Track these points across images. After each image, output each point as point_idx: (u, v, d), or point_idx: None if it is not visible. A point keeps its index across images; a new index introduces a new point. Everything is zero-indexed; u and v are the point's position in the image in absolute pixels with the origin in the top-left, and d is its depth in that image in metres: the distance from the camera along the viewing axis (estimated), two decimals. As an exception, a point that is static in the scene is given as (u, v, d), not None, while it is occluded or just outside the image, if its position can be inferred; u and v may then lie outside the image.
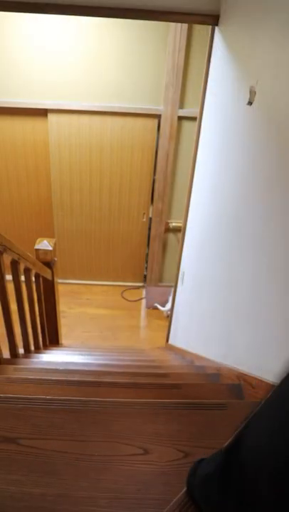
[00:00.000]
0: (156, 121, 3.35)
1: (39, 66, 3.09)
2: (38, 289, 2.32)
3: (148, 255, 4.05)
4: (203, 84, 2.08)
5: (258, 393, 1.07)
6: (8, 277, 1.70)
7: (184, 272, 2.62)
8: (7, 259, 1.69)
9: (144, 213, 3.83)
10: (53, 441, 0.80)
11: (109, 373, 1.57)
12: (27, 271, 2.03)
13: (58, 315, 2.75)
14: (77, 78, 3.14)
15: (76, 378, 1.33)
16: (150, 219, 3.85)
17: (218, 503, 0.49)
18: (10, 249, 1.67)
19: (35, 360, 1.94)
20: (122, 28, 2.96)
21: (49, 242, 2.38)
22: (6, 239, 1.63)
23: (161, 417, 0.87)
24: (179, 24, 2.88)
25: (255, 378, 1.09)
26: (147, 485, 0.72)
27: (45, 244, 2.36)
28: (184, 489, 0.60)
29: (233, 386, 1.23)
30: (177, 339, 2.77)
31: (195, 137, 2.24)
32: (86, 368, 1.78)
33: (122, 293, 4.18)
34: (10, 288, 1.76)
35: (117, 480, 0.72)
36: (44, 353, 2.32)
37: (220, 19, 1.76)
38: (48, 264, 2.38)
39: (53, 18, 2.91)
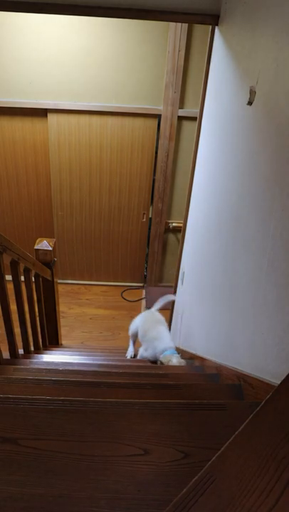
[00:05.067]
0: (156, 121, 3.35)
1: (39, 66, 3.09)
2: (37, 290, 2.32)
3: (148, 255, 4.05)
4: (203, 84, 2.08)
5: (257, 394, 1.07)
6: (8, 277, 1.70)
7: (184, 272, 2.62)
8: (7, 259, 1.68)
9: (144, 213, 3.83)
10: (53, 441, 0.80)
11: (109, 374, 1.56)
12: (27, 271, 2.03)
13: (57, 315, 2.74)
14: (77, 78, 3.14)
15: (76, 379, 1.33)
16: (150, 219, 3.85)
17: None
18: (10, 249, 1.66)
19: (35, 360, 1.94)
20: (123, 27, 2.96)
21: (49, 243, 2.37)
22: (6, 239, 1.62)
23: (161, 417, 0.87)
24: (179, 24, 2.88)
25: (255, 379, 1.09)
26: (147, 485, 0.71)
27: (45, 245, 2.36)
28: (184, 490, 0.59)
29: (233, 386, 1.23)
30: (177, 339, 2.77)
31: (195, 137, 2.24)
32: (86, 369, 1.78)
33: (121, 293, 4.18)
34: (10, 288, 1.76)
35: (117, 480, 0.72)
36: (44, 353, 2.31)
37: (220, 19, 1.76)
38: (48, 265, 2.38)
39: (53, 18, 2.91)
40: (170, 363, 2.07)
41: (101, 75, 3.14)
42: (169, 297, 2.88)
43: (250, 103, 1.26)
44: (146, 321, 2.57)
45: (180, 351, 2.45)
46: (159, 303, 2.81)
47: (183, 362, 2.12)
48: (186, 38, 2.96)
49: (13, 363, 1.77)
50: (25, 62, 3.07)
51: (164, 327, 2.48)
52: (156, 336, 2.35)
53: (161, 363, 2.15)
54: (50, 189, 3.68)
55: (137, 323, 2.67)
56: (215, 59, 1.89)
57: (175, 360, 2.08)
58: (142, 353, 2.45)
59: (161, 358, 2.16)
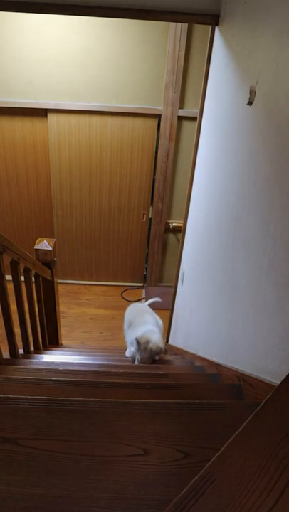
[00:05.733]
0: (156, 121, 3.35)
1: (39, 66, 3.09)
2: (37, 290, 2.32)
3: (148, 255, 4.05)
4: (203, 84, 2.08)
5: (257, 394, 1.07)
6: (8, 277, 1.70)
7: (184, 272, 2.62)
8: (7, 259, 1.68)
9: (144, 213, 3.83)
10: (53, 441, 0.80)
11: (109, 374, 1.56)
12: (27, 271, 2.02)
13: (57, 315, 2.74)
14: (77, 78, 3.14)
15: (76, 379, 1.33)
16: (150, 219, 3.85)
17: None
18: (10, 249, 1.66)
19: (35, 360, 1.94)
20: (123, 27, 2.96)
21: (49, 243, 2.37)
22: (6, 239, 1.62)
23: (161, 417, 0.87)
24: (179, 24, 2.88)
25: (255, 379, 1.09)
26: (147, 485, 0.71)
27: (45, 245, 2.36)
28: (184, 490, 0.60)
29: (232, 386, 1.23)
30: (177, 339, 2.77)
31: (195, 137, 2.24)
32: (86, 369, 1.78)
33: (121, 293, 4.18)
34: (10, 288, 1.76)
35: (117, 480, 0.72)
36: (44, 353, 2.31)
37: (220, 19, 1.76)
38: (48, 265, 2.38)
39: (53, 18, 2.91)
40: (149, 346, 1.75)
41: (101, 75, 3.14)
42: (155, 299, 2.79)
43: (250, 103, 1.26)
44: (131, 313, 2.34)
45: (180, 351, 2.45)
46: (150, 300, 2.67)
47: (160, 343, 1.77)
48: (186, 38, 2.96)
49: (13, 363, 1.77)
50: (25, 62, 3.07)
51: (149, 315, 2.21)
52: (140, 322, 2.04)
53: (139, 344, 1.77)
54: (50, 189, 3.68)
55: (125, 326, 2.33)
56: (215, 59, 1.89)
57: (152, 344, 1.73)
58: (129, 347, 2.09)
59: (138, 338, 1.80)
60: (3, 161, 3.54)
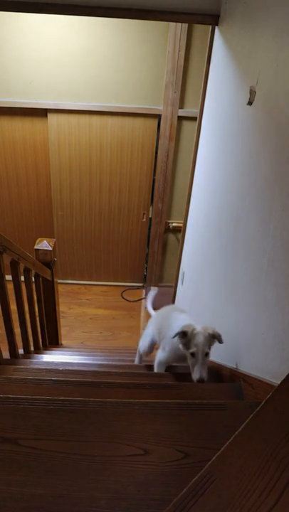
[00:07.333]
0: (156, 121, 3.35)
1: (39, 66, 3.09)
2: (37, 290, 2.32)
3: (148, 255, 4.05)
4: (203, 84, 2.08)
5: (257, 394, 1.07)
6: (8, 277, 1.70)
7: (184, 272, 2.61)
8: (7, 259, 1.68)
9: (144, 213, 3.83)
10: (53, 441, 0.80)
11: (109, 374, 1.56)
12: (27, 271, 2.02)
13: (57, 315, 2.74)
14: (77, 78, 3.14)
15: (76, 379, 1.33)
16: (150, 219, 3.85)
17: None
18: (10, 249, 1.66)
19: (35, 360, 1.94)
20: (123, 27, 2.96)
21: (49, 243, 2.37)
22: (6, 239, 1.62)
23: (161, 417, 0.87)
24: (179, 24, 2.88)
25: (255, 379, 1.09)
26: (147, 485, 0.71)
27: (45, 245, 2.36)
28: (184, 490, 0.59)
29: (232, 386, 1.23)
30: (177, 339, 2.76)
31: (195, 137, 2.24)
32: (86, 369, 1.78)
33: (121, 293, 4.18)
34: (10, 288, 1.76)
35: (117, 480, 0.72)
36: (44, 353, 2.31)
37: (220, 19, 1.76)
38: (48, 265, 2.38)
39: (53, 18, 2.91)
40: (197, 330, 1.37)
41: (101, 75, 3.14)
42: (151, 293, 2.37)
43: (250, 103, 1.26)
44: (159, 317, 1.87)
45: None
46: (149, 301, 2.29)
47: (210, 329, 1.37)
48: (186, 38, 2.95)
49: (13, 363, 1.77)
50: (25, 62, 3.07)
51: (181, 313, 1.74)
52: (171, 322, 1.63)
53: (184, 334, 1.37)
54: (50, 189, 3.68)
55: (150, 331, 1.91)
56: (215, 59, 1.89)
57: (199, 327, 1.38)
58: (160, 356, 1.65)
59: (183, 328, 1.39)
60: (3, 161, 3.54)
